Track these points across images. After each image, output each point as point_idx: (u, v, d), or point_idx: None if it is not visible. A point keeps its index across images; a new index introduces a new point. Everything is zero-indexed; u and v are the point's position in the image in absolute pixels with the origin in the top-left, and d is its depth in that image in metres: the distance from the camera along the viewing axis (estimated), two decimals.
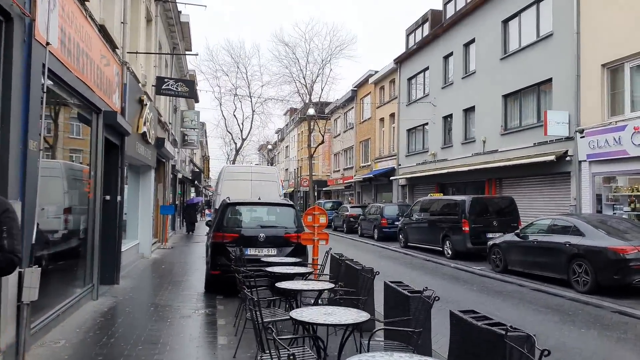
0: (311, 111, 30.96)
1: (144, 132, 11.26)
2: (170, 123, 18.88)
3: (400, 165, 27.63)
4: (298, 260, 7.53)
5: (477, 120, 19.79)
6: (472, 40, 20.32)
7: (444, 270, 12.82)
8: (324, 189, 45.15)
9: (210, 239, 8.61)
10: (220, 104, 38.42)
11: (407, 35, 27.75)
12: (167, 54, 17.57)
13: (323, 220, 8.70)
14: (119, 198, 9.27)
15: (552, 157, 14.38)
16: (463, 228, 13.99)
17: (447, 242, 14.75)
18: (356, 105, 36.40)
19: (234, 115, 43.18)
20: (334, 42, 48.18)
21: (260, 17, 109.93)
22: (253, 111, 37.91)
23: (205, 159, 50.04)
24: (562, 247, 9.53)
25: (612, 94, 13.17)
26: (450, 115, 22.15)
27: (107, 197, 9.05)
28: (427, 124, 24.38)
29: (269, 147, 66.92)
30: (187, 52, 22.01)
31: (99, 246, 7.92)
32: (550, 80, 15.44)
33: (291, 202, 9.47)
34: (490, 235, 13.89)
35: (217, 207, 14.19)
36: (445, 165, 22.07)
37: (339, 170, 41.75)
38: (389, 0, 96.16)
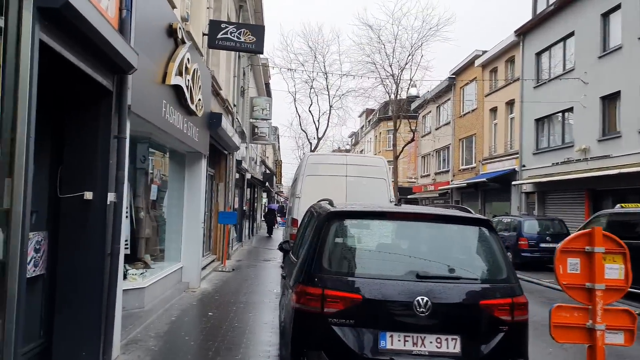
0: (414, 90, 25.32)
1: (180, 88, 6.56)
2: (235, 105, 14.38)
3: (524, 166, 21.42)
4: None
5: None
6: None
7: None
8: (408, 196, 39.24)
9: (292, 300, 3.62)
10: (295, 100, 33.86)
11: None
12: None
13: (615, 271, 3.68)
14: (111, 197, 4.54)
15: None
16: None
17: None
18: (454, 96, 30.42)
19: (309, 112, 38.79)
20: (427, 22, 42.21)
21: None
22: (330, 106, 33.11)
23: (278, 163, 46.21)
24: None
25: None
26: (617, 94, 15.82)
27: (88, 195, 4.39)
28: (571, 109, 18.12)
29: (343, 150, 62.01)
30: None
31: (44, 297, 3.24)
32: None
33: (482, 216, 4.24)
34: None
35: (295, 215, 9.30)
36: (604, 165, 15.77)
37: (428, 175, 35.87)
38: None
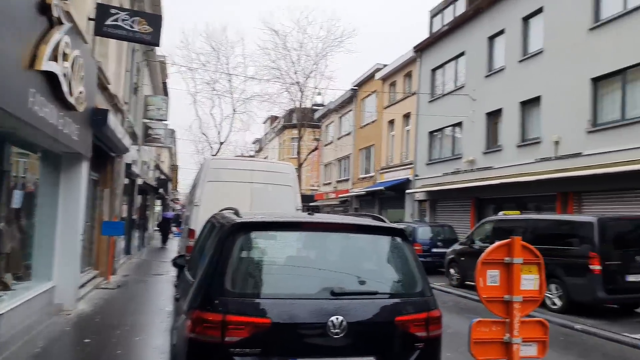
0: (319, 98, 25.34)
1: (55, 76, 5.64)
2: (126, 103, 13.20)
3: (417, 175, 22.50)
4: None
5: (545, 115, 14.83)
6: (539, 10, 15.46)
7: (571, 338, 7.56)
8: (310, 204, 39.52)
9: (187, 329, 3.09)
10: (195, 101, 32.44)
11: (432, 17, 22.92)
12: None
13: (531, 282, 3.69)
14: None
15: None
16: (591, 266, 8.72)
17: (553, 287, 9.44)
18: (356, 107, 31.29)
19: (211, 114, 37.45)
20: (332, 32, 42.93)
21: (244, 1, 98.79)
22: (234, 110, 32.27)
23: (174, 168, 43.92)
24: None
25: None
26: (499, 111, 17.19)
27: None
28: (460, 123, 19.38)
29: (247, 156, 60.89)
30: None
31: None
32: None
33: (396, 225, 4.01)
34: (631, 277, 8.76)
35: (193, 225, 8.60)
36: (489, 175, 17.03)
37: (330, 183, 36.44)
38: None
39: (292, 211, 8.56)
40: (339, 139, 34.35)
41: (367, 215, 4.23)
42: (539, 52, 15.26)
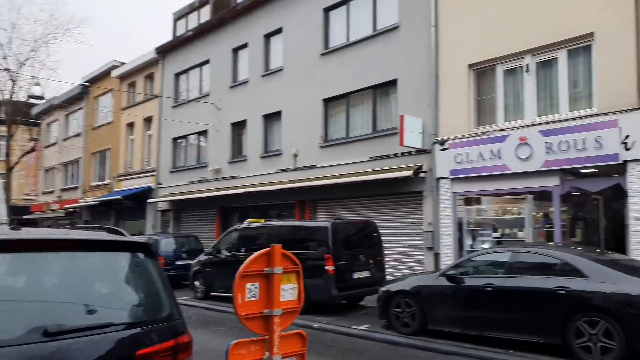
0: (37, 89, 21.07)
1: None
2: None
3: (161, 184, 21.42)
4: None
5: (286, 129, 16.07)
6: (279, 30, 16.67)
7: (311, 338, 8.24)
8: (24, 217, 33.01)
9: None
10: None
11: (176, 20, 22.20)
12: None
13: (290, 292, 3.51)
14: None
15: (408, 173, 11.73)
16: (326, 267, 9.68)
17: None
18: (88, 106, 27.90)
19: None
20: (57, 18, 36.54)
21: None
22: None
23: None
24: (552, 295, 6.39)
25: (478, 101, 11.45)
26: (243, 122, 17.80)
27: None
28: (205, 131, 19.31)
29: None
30: None
31: None
32: (394, 82, 13.00)
33: (137, 239, 3.28)
34: (356, 275, 10.11)
35: None
36: (234, 184, 17.47)
37: (52, 192, 31.45)
38: None
39: None
40: (65, 140, 29.98)
41: (101, 229, 3.55)
42: (280, 70, 16.46)
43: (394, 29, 13.10)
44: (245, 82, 17.86)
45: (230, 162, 18.17)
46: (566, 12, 9.73)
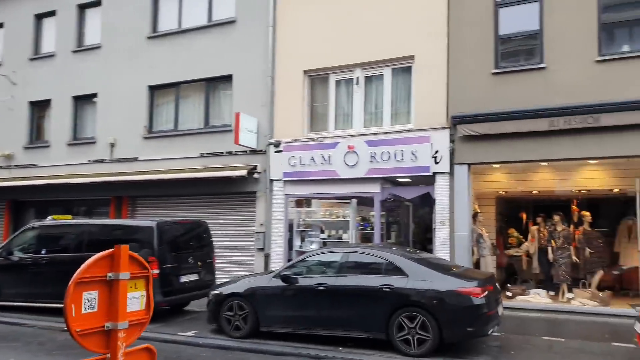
0: None
1: None
2: None
3: None
4: None
5: (102, 115, 14.25)
6: (97, 3, 14.67)
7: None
8: None
9: None
10: None
11: None
12: None
13: (137, 300, 3.08)
14: None
15: (242, 173, 11.47)
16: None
17: None
18: None
19: None
20: None
21: None
22: None
23: None
24: (378, 293, 6.86)
25: (312, 107, 11.80)
26: (47, 102, 15.24)
27: None
28: None
29: None
30: None
31: None
32: (229, 77, 12.57)
33: None
34: (184, 279, 9.47)
35: None
36: (32, 174, 14.89)
37: None
38: None
39: None
40: None
41: None
42: (97, 47, 14.53)
43: (230, 22, 12.65)
44: (51, 56, 15.32)
45: (26, 148, 15.41)
46: (392, 33, 10.64)
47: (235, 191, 12.17)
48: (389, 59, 10.75)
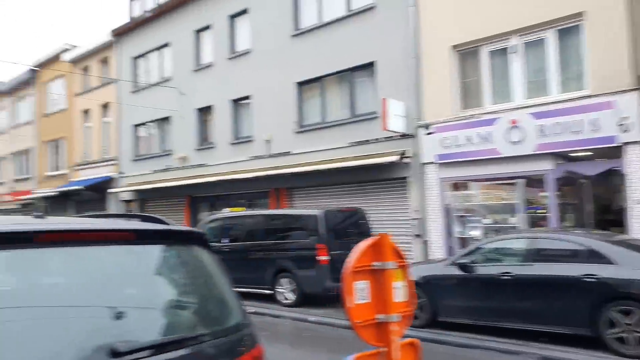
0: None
1: None
2: None
3: (123, 173, 20.21)
4: None
5: (257, 114, 15.25)
6: (244, 11, 15.69)
7: (307, 332, 7.76)
8: None
9: None
10: None
11: (131, 1, 20.66)
12: None
13: (400, 291, 2.85)
14: None
15: (394, 158, 11.27)
16: (318, 258, 9.15)
17: (285, 282, 9.64)
18: (38, 92, 25.96)
19: None
20: None
21: None
22: None
23: None
24: (578, 284, 6.01)
25: (463, 83, 11.05)
26: (210, 108, 16.83)
27: None
28: (168, 118, 18.20)
29: None
30: None
31: None
32: (372, 64, 12.41)
33: (195, 229, 2.54)
34: None
35: None
36: (203, 173, 16.59)
37: (3, 183, 29.42)
38: None
39: None
40: (14, 128, 27.93)
41: (128, 216, 2.80)
42: (247, 52, 15.54)
43: (369, 9, 12.45)
44: (210, 66, 16.84)
45: (197, 150, 17.22)
46: None
47: (386, 177, 12.01)
48: (551, 20, 9.49)
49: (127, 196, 19.96)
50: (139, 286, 2.16)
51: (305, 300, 9.39)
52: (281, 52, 14.46)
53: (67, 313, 1.84)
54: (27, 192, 25.96)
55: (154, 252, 2.23)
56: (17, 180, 28.08)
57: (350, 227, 10.10)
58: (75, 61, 22.99)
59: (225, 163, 15.94)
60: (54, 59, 24.08)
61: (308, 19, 14.06)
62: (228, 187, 15.47)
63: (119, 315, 1.89)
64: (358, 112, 12.88)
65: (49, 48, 24.90)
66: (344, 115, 13.20)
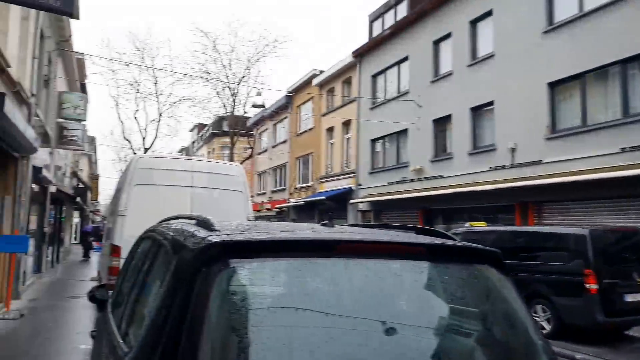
0: (259, 99, 23.62)
1: None
2: (33, 95, 10.91)
3: (361, 185, 21.59)
4: None
5: (499, 121, 14.42)
6: (488, 14, 15.15)
7: None
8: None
9: None
10: (117, 104, 29.00)
11: (371, 22, 22.27)
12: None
13: None
14: None
15: None
16: (586, 285, 7.75)
17: (544, 309, 8.45)
18: (292, 114, 30.07)
19: (135, 118, 34.53)
20: (265, 37, 40.87)
21: (176, 10, 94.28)
22: (160, 114, 29.61)
23: (94, 177, 40.08)
24: None
25: None
26: (447, 117, 16.67)
27: None
28: (405, 130, 18.72)
29: None
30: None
31: None
32: None
33: (487, 247, 2.18)
34: (629, 298, 7.95)
35: (118, 240, 6.75)
36: (438, 185, 16.41)
37: (264, 193, 34.80)
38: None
39: (242, 220, 6.88)
40: (273, 147, 32.89)
41: (407, 229, 2.62)
42: (490, 56, 14.90)
43: None
44: (448, 75, 16.73)
45: (432, 161, 17.20)
46: None
47: None
48: None
49: (364, 207, 21.23)
50: (436, 308, 2.00)
51: (564, 331, 8.08)
52: (529, 51, 13.40)
53: (362, 325, 1.74)
54: (283, 202, 30.14)
55: (442, 270, 2.04)
56: (274, 191, 32.90)
57: (626, 251, 8.40)
58: (321, 84, 25.85)
59: (463, 174, 15.48)
60: (306, 84, 27.58)
61: (564, 11, 12.69)
62: (465, 199, 14.95)
63: (419, 338, 1.79)
64: (634, 111, 10.91)
65: (301, 75, 28.46)
66: (612, 116, 11.37)
